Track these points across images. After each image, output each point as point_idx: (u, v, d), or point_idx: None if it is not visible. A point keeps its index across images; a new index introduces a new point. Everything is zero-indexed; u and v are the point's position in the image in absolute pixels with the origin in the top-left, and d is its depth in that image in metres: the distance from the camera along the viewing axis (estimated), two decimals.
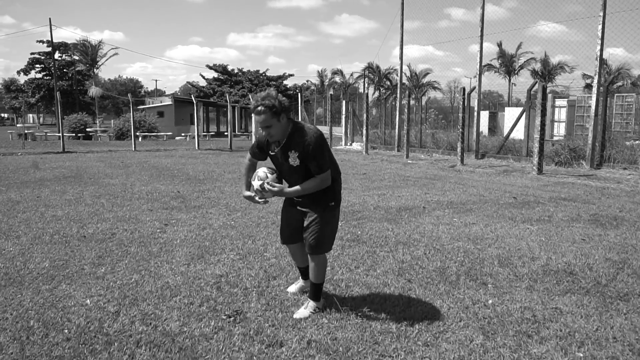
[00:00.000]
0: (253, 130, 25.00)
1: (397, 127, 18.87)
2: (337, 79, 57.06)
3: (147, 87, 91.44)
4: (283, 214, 3.49)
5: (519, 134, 15.56)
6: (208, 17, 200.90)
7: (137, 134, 25.23)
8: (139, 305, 3.39)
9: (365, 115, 17.77)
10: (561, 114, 22.37)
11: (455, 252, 4.75)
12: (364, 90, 35.82)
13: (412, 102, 20.64)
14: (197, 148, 20.05)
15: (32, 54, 59.44)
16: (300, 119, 24.33)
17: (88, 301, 3.47)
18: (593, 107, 12.19)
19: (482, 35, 15.07)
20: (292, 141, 3.05)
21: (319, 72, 58.40)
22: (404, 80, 37.89)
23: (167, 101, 36.93)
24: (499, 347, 2.82)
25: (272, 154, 3.19)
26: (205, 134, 31.77)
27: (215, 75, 52.98)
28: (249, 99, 26.08)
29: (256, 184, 3.16)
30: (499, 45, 44.80)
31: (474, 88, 15.41)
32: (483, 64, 15.77)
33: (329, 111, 22.44)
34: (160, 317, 3.19)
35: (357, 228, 5.71)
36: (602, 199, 7.91)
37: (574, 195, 8.19)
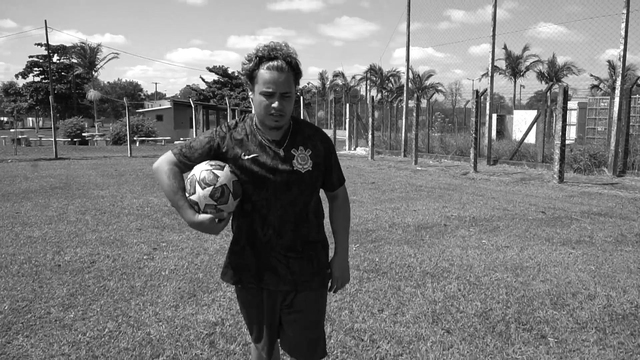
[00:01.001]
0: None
1: (403, 130, 18.11)
2: (339, 81, 56.42)
3: (147, 91, 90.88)
4: (243, 300, 2.01)
5: (529, 137, 14.81)
6: (208, 20, 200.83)
7: (135, 138, 24.52)
8: None
9: (370, 120, 17.02)
10: (571, 117, 21.64)
11: (495, 287, 4.00)
12: (366, 93, 35.16)
13: (416, 104, 19.91)
14: None
15: (30, 57, 58.84)
16: None
17: None
18: (616, 111, 11.43)
19: (494, 35, 14.34)
20: (300, 134, 1.88)
21: (320, 74, 57.82)
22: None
23: (167, 104, 36.26)
24: None
25: (246, 157, 1.82)
26: None
27: (216, 78, 52.38)
28: (250, 102, 24.95)
29: (203, 194, 1.73)
30: (505, 47, 44.09)
31: (485, 90, 14.67)
32: (486, 67, 15.06)
33: (332, 114, 21.71)
34: None
35: (374, 253, 4.96)
36: None
37: (607, 209, 7.43)
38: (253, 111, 1.85)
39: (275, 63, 1.72)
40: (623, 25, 11.10)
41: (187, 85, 59.84)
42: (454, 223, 6.44)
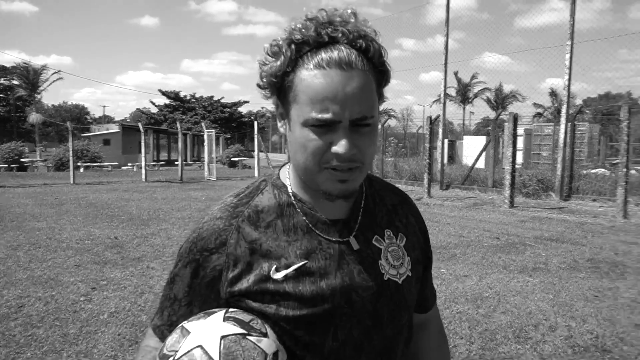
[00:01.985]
0: (206, 161, 23.00)
1: None
2: None
3: (94, 114, 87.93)
4: None
5: (479, 162, 15.22)
6: (162, 43, 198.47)
7: (79, 164, 23.38)
8: None
9: None
10: (519, 143, 22.54)
11: (457, 320, 3.86)
12: None
13: None
14: (144, 180, 18.55)
15: None
16: (256, 147, 22.26)
17: None
18: (561, 138, 11.92)
19: (446, 64, 14.75)
20: (380, 204, 1.01)
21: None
22: None
23: (115, 128, 35.00)
24: None
25: (283, 274, 0.87)
26: (154, 162, 30.08)
27: (167, 101, 51.38)
28: (202, 126, 24.35)
29: None
30: (456, 74, 45.84)
31: (438, 116, 14.99)
32: (436, 93, 15.53)
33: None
34: None
35: None
36: (589, 237, 7.34)
37: (557, 234, 7.58)
38: (286, 158, 1.03)
39: (335, 54, 0.82)
40: (568, 55, 11.65)
41: (137, 109, 58.35)
42: None
